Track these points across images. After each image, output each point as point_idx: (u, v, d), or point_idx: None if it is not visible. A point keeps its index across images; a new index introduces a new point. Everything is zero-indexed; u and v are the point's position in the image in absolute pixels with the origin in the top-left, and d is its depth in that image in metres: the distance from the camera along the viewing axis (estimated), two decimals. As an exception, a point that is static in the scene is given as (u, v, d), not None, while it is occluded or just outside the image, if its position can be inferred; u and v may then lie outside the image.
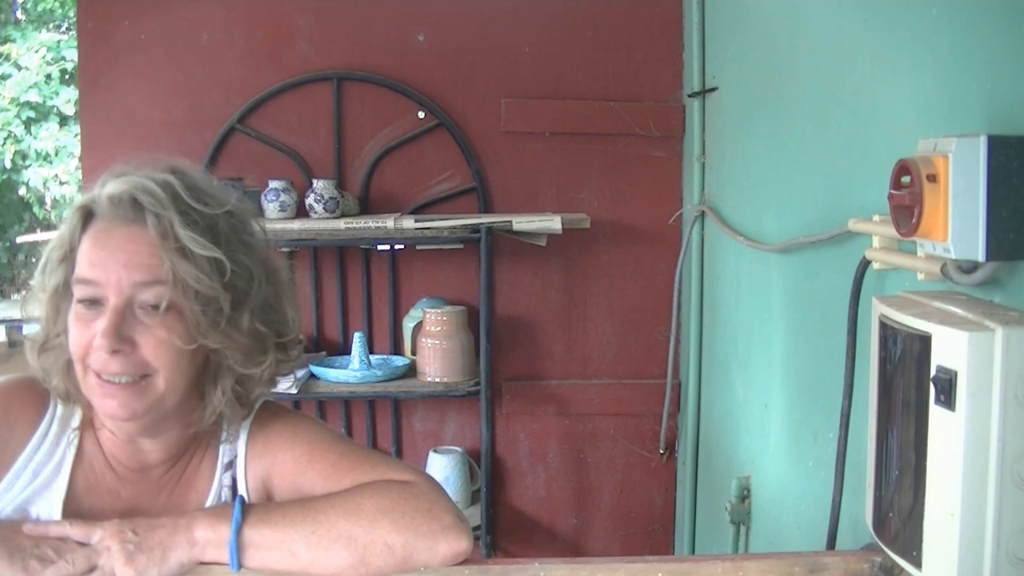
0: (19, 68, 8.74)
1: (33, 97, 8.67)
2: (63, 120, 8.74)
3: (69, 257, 1.08)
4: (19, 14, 9.18)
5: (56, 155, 8.82)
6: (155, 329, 1.04)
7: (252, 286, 1.09)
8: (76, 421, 1.12)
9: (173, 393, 1.07)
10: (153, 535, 1.02)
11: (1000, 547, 0.93)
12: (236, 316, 1.08)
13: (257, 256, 1.12)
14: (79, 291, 1.05)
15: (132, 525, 1.03)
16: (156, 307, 1.03)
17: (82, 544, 1.02)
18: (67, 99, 8.49)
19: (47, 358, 1.09)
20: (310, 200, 2.50)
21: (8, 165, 8.83)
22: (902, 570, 1.06)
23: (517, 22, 2.73)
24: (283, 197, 2.50)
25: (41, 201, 9.32)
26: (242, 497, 1.12)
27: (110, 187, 1.06)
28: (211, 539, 1.03)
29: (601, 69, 2.73)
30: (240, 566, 1.03)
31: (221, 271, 1.05)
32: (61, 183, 8.96)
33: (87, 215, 1.08)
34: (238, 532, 1.03)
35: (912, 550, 1.01)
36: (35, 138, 8.83)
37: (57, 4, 8.89)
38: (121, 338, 1.02)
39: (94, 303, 1.04)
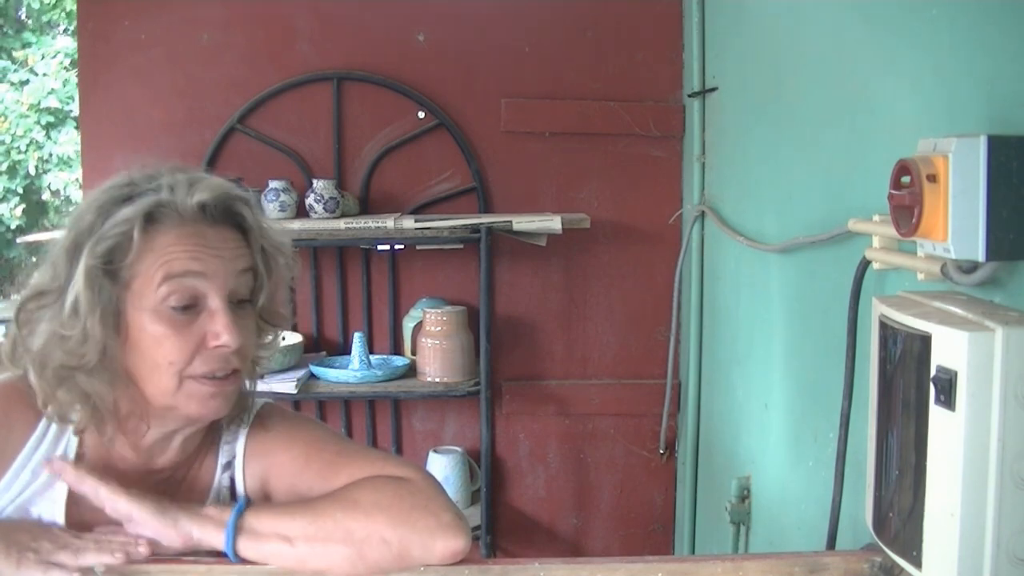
0: (35, 74, 8.81)
1: (52, 103, 8.75)
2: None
3: (114, 269, 1.03)
4: (23, 16, 9.22)
5: (75, 159, 8.90)
6: (246, 320, 1.09)
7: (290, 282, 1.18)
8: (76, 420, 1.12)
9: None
10: (171, 505, 1.07)
11: (1000, 547, 0.93)
12: (288, 301, 1.17)
13: None
14: (174, 286, 1.03)
15: (158, 504, 1.06)
16: (246, 298, 1.09)
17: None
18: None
19: (93, 381, 1.04)
20: (310, 200, 2.50)
21: (32, 172, 8.93)
22: (902, 570, 1.06)
23: (517, 22, 2.73)
24: (283, 197, 2.50)
25: (58, 208, 9.42)
26: (247, 496, 1.13)
27: (198, 196, 1.05)
28: (213, 517, 1.05)
29: (601, 69, 2.73)
30: (236, 555, 1.04)
31: (293, 260, 1.16)
32: (81, 187, 9.02)
33: (148, 222, 1.04)
34: (238, 518, 1.05)
35: (912, 550, 1.01)
36: (55, 143, 8.92)
37: (63, 14, 8.95)
38: (240, 332, 1.06)
39: (188, 308, 1.04)
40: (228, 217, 1.09)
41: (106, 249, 1.02)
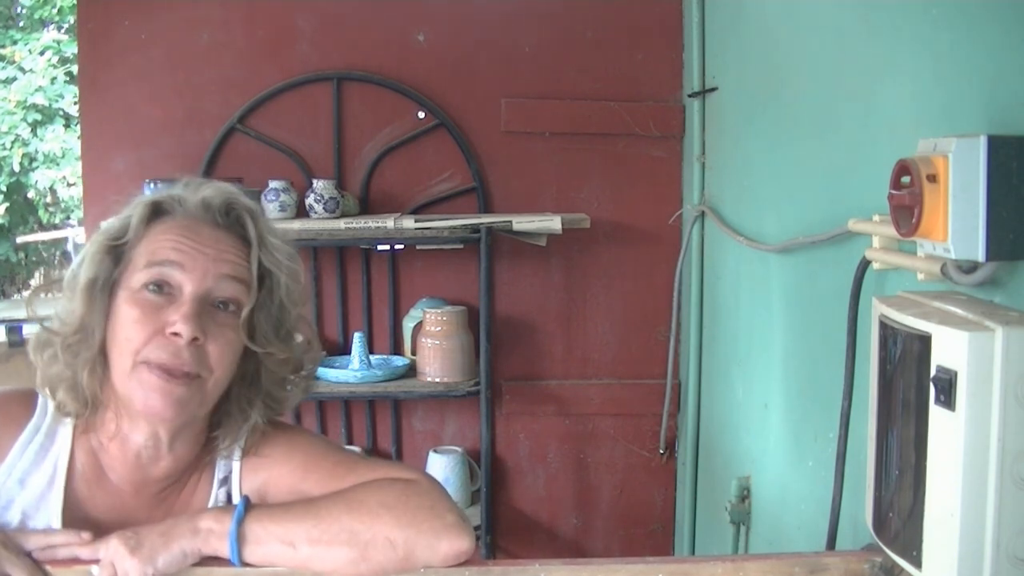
0: (23, 71, 8.78)
1: (39, 100, 8.72)
2: (69, 121, 8.77)
3: (119, 250, 1.08)
4: (18, 10, 9.20)
5: (63, 157, 8.86)
6: (225, 328, 1.07)
7: (297, 308, 1.15)
8: (68, 433, 1.11)
9: (213, 398, 1.09)
10: (154, 529, 1.03)
11: (1000, 547, 0.93)
12: (293, 328, 1.14)
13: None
14: (152, 273, 1.05)
15: (134, 529, 1.03)
16: (229, 305, 1.07)
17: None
18: (73, 100, 8.51)
19: (68, 355, 1.07)
20: (310, 200, 2.50)
21: (17, 168, 8.89)
22: (902, 570, 1.06)
23: (517, 22, 2.73)
24: (283, 197, 2.50)
25: (47, 205, 9.38)
26: (247, 497, 1.12)
27: (204, 192, 1.11)
28: (214, 529, 1.03)
29: (601, 69, 2.73)
30: (241, 559, 1.03)
31: (296, 283, 1.13)
32: (68, 185, 9.01)
33: (155, 212, 1.10)
34: (240, 524, 1.03)
35: (912, 550, 1.01)
36: (41, 140, 8.89)
37: (57, 10, 8.93)
38: (201, 328, 1.04)
39: (162, 290, 1.05)
40: (234, 226, 1.11)
41: (114, 228, 1.09)
